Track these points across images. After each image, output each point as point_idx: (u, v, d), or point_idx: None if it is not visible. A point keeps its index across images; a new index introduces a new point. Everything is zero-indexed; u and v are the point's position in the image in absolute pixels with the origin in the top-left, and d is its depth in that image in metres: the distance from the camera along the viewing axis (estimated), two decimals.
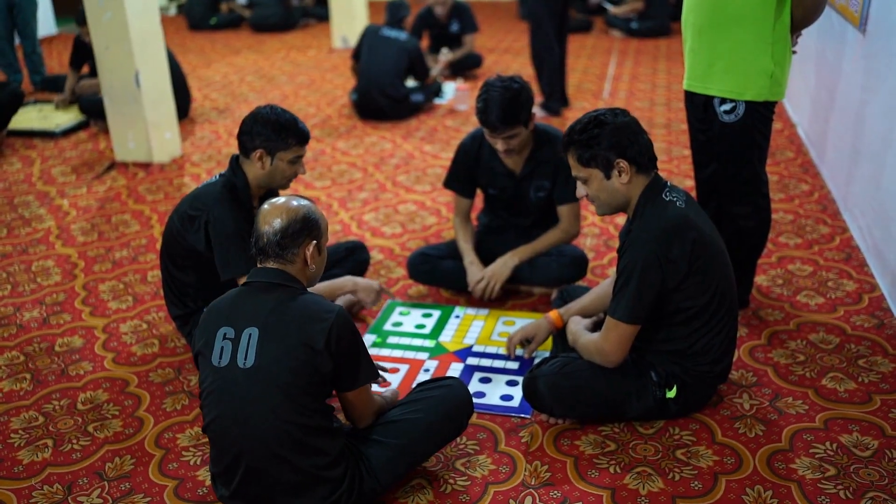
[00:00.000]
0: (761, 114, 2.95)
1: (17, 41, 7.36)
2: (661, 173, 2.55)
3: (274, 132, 2.80)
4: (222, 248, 2.80)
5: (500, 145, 3.22)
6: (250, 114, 2.85)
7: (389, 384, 2.79)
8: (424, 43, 7.28)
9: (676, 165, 4.92)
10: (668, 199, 2.47)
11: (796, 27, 2.90)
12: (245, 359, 2.09)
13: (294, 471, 2.11)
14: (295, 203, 2.19)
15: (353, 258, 3.41)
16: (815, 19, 2.88)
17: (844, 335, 3.06)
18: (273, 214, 2.16)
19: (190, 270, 2.95)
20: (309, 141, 2.89)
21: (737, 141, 2.98)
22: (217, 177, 2.93)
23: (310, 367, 2.08)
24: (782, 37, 2.86)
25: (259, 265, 2.20)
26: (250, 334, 2.10)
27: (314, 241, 2.20)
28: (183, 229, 2.87)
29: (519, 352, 3.01)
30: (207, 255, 2.84)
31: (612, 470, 2.43)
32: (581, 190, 2.56)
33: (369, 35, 6.20)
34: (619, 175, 2.45)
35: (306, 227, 2.17)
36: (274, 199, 2.22)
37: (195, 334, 2.24)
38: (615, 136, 2.42)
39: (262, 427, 2.07)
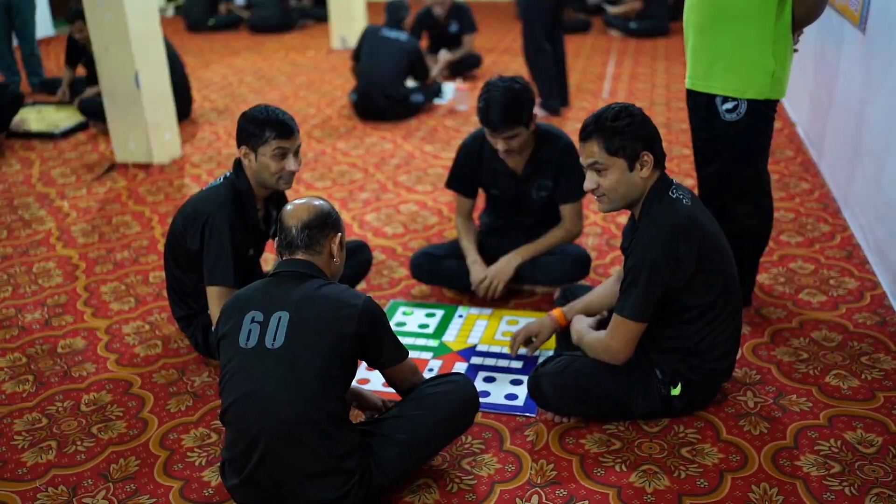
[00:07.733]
0: (763, 112, 2.95)
1: (14, 43, 7.33)
2: None
3: (252, 126, 2.80)
4: (213, 254, 2.80)
5: (500, 145, 3.21)
6: (241, 113, 2.87)
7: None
8: (424, 43, 7.27)
9: (677, 164, 4.93)
10: (674, 196, 2.47)
11: (798, 25, 2.89)
12: (274, 340, 2.13)
13: (312, 457, 2.11)
14: (317, 202, 2.32)
15: (355, 258, 3.38)
16: (817, 17, 2.88)
17: (847, 333, 3.07)
18: (299, 210, 2.28)
19: (192, 272, 2.94)
20: (291, 134, 2.80)
21: (739, 139, 2.99)
22: (221, 178, 2.93)
23: (339, 352, 2.13)
24: (783, 35, 2.86)
25: (287, 258, 2.27)
26: (280, 317, 2.15)
27: (339, 234, 2.30)
28: (184, 230, 2.88)
29: (522, 350, 3.00)
30: (201, 256, 2.84)
31: (617, 468, 2.43)
32: (591, 182, 2.48)
33: (369, 36, 6.19)
34: (641, 168, 2.45)
35: (330, 220, 2.30)
36: (296, 200, 2.32)
37: (220, 320, 2.27)
38: (644, 128, 2.43)
39: (286, 408, 2.09)
